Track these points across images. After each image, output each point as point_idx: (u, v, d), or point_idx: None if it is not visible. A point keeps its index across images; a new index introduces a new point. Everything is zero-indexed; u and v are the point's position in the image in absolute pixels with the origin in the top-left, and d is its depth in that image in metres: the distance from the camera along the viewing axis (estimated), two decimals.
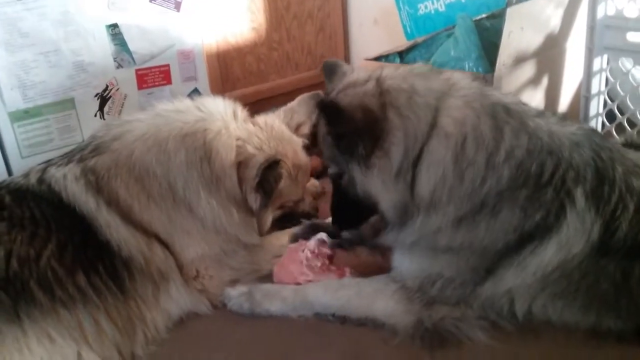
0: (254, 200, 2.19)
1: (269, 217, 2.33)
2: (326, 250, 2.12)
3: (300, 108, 2.49)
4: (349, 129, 1.71)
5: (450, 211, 1.74)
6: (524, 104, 1.90)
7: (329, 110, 1.74)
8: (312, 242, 2.11)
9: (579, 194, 1.73)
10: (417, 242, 1.83)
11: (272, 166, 2.15)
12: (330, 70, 2.02)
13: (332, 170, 1.91)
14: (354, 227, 2.09)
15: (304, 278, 2.06)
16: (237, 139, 2.19)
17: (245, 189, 2.17)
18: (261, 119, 2.36)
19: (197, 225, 2.11)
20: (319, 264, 2.09)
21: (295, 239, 2.26)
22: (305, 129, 2.48)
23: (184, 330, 2.02)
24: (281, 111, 2.47)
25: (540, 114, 1.86)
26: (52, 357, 1.72)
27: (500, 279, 1.80)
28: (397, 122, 1.71)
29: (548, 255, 1.74)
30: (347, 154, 1.78)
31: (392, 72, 1.82)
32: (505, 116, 1.75)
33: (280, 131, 2.35)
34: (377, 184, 1.76)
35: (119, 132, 2.15)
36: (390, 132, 1.71)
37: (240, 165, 2.16)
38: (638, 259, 1.73)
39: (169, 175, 2.07)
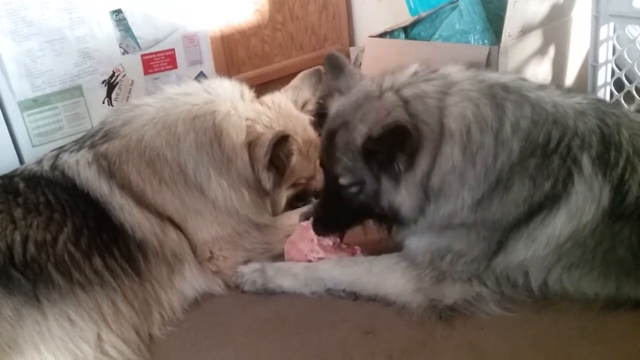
0: (267, 179, 2.20)
1: (283, 196, 2.34)
2: None
3: (304, 85, 2.47)
4: (398, 149, 1.70)
5: (466, 196, 1.76)
6: (524, 80, 1.91)
7: (398, 132, 1.67)
8: None
9: (585, 160, 1.74)
10: (430, 227, 1.84)
11: (281, 141, 2.15)
12: (333, 65, 1.99)
13: (346, 180, 1.84)
14: (338, 231, 2.07)
15: (315, 255, 2.08)
16: (247, 120, 2.20)
17: (257, 169, 2.18)
18: (268, 98, 2.36)
19: (209, 207, 2.12)
20: (330, 242, 2.10)
21: (305, 217, 2.26)
22: (310, 106, 2.47)
23: (200, 310, 2.06)
24: (286, 89, 2.47)
25: (542, 87, 1.87)
26: (72, 339, 1.76)
27: (511, 251, 1.81)
28: (426, 132, 1.72)
29: (559, 225, 1.74)
30: (381, 167, 1.77)
31: (402, 79, 1.81)
32: (503, 93, 1.77)
33: (288, 109, 2.35)
34: (402, 194, 1.78)
35: (129, 117, 2.16)
36: (423, 144, 1.72)
37: (251, 145, 2.17)
38: None
39: (180, 158, 2.09)
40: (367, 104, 1.78)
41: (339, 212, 1.93)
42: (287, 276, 2.04)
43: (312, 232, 2.08)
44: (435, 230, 1.86)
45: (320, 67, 2.50)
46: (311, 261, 2.08)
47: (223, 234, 2.16)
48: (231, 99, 2.23)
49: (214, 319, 2.01)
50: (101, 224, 1.95)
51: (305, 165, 2.36)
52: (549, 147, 1.74)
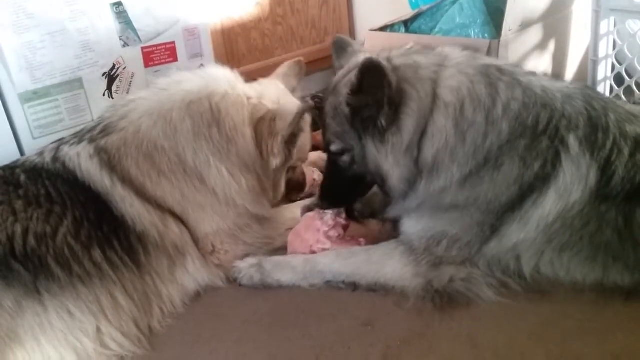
0: (278, 154, 2.18)
1: (283, 180, 2.34)
2: (342, 221, 2.13)
3: (290, 73, 2.48)
4: (379, 95, 1.73)
5: (455, 171, 1.80)
6: (515, 65, 1.97)
7: (373, 71, 1.72)
8: (329, 212, 2.12)
9: (572, 140, 1.78)
10: (422, 204, 1.88)
11: (305, 115, 2.16)
12: (340, 47, 2.07)
13: (335, 147, 1.93)
14: (343, 204, 2.11)
15: (321, 246, 2.08)
16: (249, 98, 2.20)
17: (267, 144, 2.16)
18: (262, 80, 2.39)
19: (209, 198, 2.12)
20: (336, 234, 2.11)
21: (308, 209, 2.26)
22: (297, 94, 2.49)
23: (200, 303, 2.06)
24: (273, 76, 2.47)
25: (531, 73, 1.93)
26: (72, 331, 1.76)
27: (504, 235, 1.84)
28: (411, 93, 1.77)
29: (548, 205, 1.78)
30: (364, 127, 1.82)
31: (396, 52, 1.89)
32: (498, 74, 1.82)
33: (284, 89, 2.37)
34: (390, 160, 1.82)
35: (125, 112, 2.16)
36: (406, 103, 1.77)
37: (261, 121, 2.16)
38: (638, 203, 1.75)
39: (178, 147, 2.08)
40: (356, 68, 1.81)
41: (340, 186, 2.00)
42: (286, 270, 2.05)
43: (318, 223, 2.10)
44: (428, 210, 1.88)
45: (301, 59, 2.55)
46: (315, 252, 2.08)
47: (224, 227, 2.15)
48: (227, 81, 2.23)
49: (214, 311, 2.02)
50: (102, 217, 1.95)
51: (304, 145, 2.37)
52: (538, 129, 1.78)
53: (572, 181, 1.77)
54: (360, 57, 1.90)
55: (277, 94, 2.30)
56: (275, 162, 2.20)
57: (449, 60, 1.85)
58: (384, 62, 1.75)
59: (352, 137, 1.87)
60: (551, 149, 1.77)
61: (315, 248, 2.09)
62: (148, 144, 2.07)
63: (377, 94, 1.74)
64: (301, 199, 2.49)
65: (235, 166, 2.13)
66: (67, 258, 1.83)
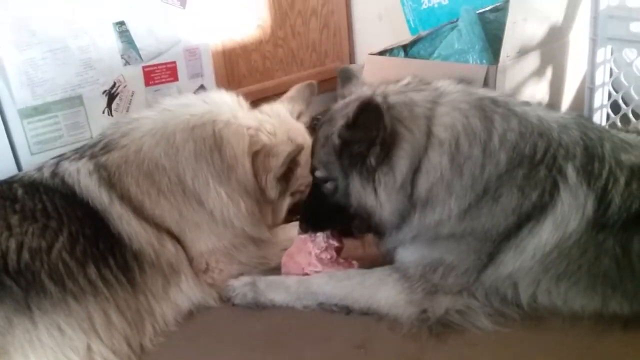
0: (274, 189, 2.20)
1: (285, 205, 2.35)
2: (335, 243, 2.12)
3: (299, 96, 2.50)
4: (372, 133, 1.75)
5: (453, 205, 1.79)
6: (510, 95, 2.01)
7: (370, 110, 1.74)
8: (321, 234, 2.12)
9: (570, 170, 1.78)
10: (417, 236, 1.87)
11: (297, 155, 2.18)
12: (346, 77, 2.12)
13: (320, 174, 1.95)
14: (323, 230, 2.09)
15: (312, 269, 2.07)
16: (248, 128, 2.21)
17: (264, 179, 2.18)
18: (266, 107, 2.39)
19: (207, 218, 2.12)
20: (328, 257, 2.09)
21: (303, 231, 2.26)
22: (305, 118, 2.51)
23: (193, 322, 2.05)
24: (282, 100, 2.50)
25: (526, 103, 1.95)
26: (62, 348, 1.74)
27: (500, 263, 1.83)
28: (405, 135, 1.79)
29: (545, 234, 1.77)
30: (352, 162, 1.83)
31: (393, 87, 1.90)
32: (493, 106, 1.84)
33: (287, 117, 2.38)
34: (379, 198, 1.83)
35: (127, 129, 2.17)
36: (399, 145, 1.78)
37: (257, 154, 2.18)
38: (635, 232, 1.75)
39: (178, 167, 2.09)
40: (354, 103, 1.83)
41: (321, 211, 2.00)
42: (279, 290, 2.04)
43: (310, 246, 2.09)
44: (425, 241, 1.88)
45: (313, 82, 2.56)
46: (308, 274, 2.07)
47: (219, 247, 2.15)
48: (230, 108, 2.25)
49: (206, 330, 2.00)
50: (98, 233, 1.94)
51: (305, 173, 2.33)
52: (536, 158, 1.79)
53: (570, 211, 1.77)
54: (362, 91, 1.93)
55: (276, 124, 2.30)
56: (271, 194, 2.22)
57: (444, 96, 1.86)
58: (381, 103, 1.77)
59: (338, 169, 1.89)
60: (549, 179, 1.78)
61: (307, 270, 2.08)
62: (149, 163, 2.08)
63: (370, 133, 1.75)
64: (296, 219, 2.48)
65: (235, 191, 2.15)
66: (61, 274, 1.82)
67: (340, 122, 1.83)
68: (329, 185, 1.94)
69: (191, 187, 2.10)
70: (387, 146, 1.77)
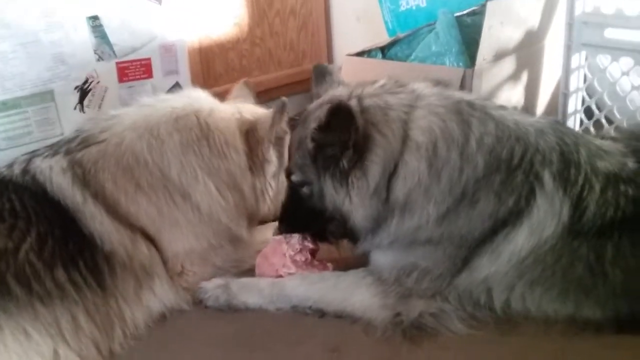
0: (271, 159, 2.24)
1: (282, 184, 2.33)
2: (310, 245, 2.10)
3: (242, 94, 2.51)
4: (344, 137, 1.74)
5: (432, 210, 1.79)
6: (486, 99, 2.00)
7: (342, 113, 1.73)
8: (296, 236, 2.11)
9: (547, 176, 1.78)
10: (394, 241, 1.86)
11: (283, 111, 2.21)
12: (320, 74, 2.08)
13: (296, 177, 1.94)
14: (301, 232, 2.09)
15: (286, 271, 2.06)
16: (232, 113, 2.23)
17: (258, 153, 2.20)
18: (229, 101, 2.44)
19: (189, 215, 2.09)
20: (302, 259, 2.08)
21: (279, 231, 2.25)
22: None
23: (164, 325, 2.01)
24: (229, 101, 2.51)
25: (502, 107, 1.95)
26: (27, 353, 1.69)
27: (475, 268, 1.83)
28: (378, 139, 1.78)
29: (521, 240, 1.77)
30: (325, 165, 1.82)
31: (369, 90, 1.88)
32: (469, 110, 1.84)
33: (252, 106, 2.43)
34: (353, 202, 1.82)
35: (108, 125, 2.13)
36: (372, 150, 1.77)
37: (249, 132, 2.19)
38: (609, 238, 1.76)
39: (162, 161, 2.06)
40: (326, 105, 1.82)
41: (299, 215, 2.00)
42: (252, 292, 2.02)
43: (284, 247, 2.08)
44: (402, 245, 1.87)
45: (248, 79, 2.67)
46: (282, 276, 2.05)
47: (197, 248, 2.12)
48: (208, 101, 2.27)
49: (177, 333, 1.97)
50: (68, 234, 1.89)
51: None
52: (513, 163, 1.79)
53: (546, 217, 1.77)
54: (336, 92, 1.92)
55: (251, 108, 2.35)
56: (271, 169, 2.24)
57: (420, 99, 1.85)
58: (354, 105, 1.77)
59: (312, 172, 1.88)
60: (526, 184, 1.78)
61: (281, 272, 2.06)
62: (130, 157, 2.04)
63: (343, 136, 1.75)
64: (273, 220, 2.46)
65: (224, 183, 2.14)
66: (28, 276, 1.76)
67: (313, 124, 1.82)
68: (305, 190, 1.93)
69: (176, 181, 2.06)
70: (360, 150, 1.77)
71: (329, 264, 2.10)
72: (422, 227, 1.81)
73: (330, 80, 2.05)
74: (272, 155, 2.24)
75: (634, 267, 1.75)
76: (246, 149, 2.19)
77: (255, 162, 2.22)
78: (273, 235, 2.20)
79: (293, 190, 2.00)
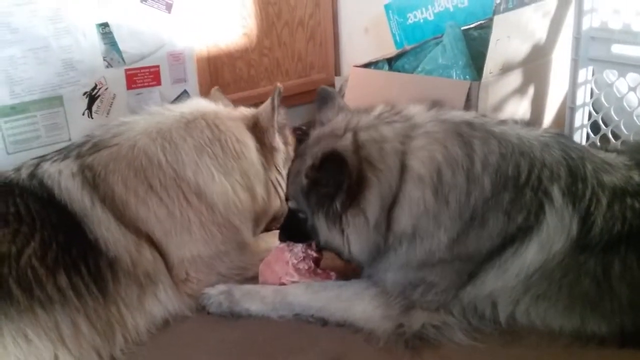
0: (278, 147, 2.36)
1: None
2: (313, 253, 2.10)
3: (218, 99, 2.54)
4: (336, 184, 1.74)
5: (442, 236, 1.77)
6: (485, 116, 1.97)
7: (335, 162, 1.72)
8: (299, 244, 2.10)
9: (556, 192, 1.77)
10: (406, 265, 1.84)
11: (279, 95, 2.32)
12: (323, 99, 2.05)
13: (292, 205, 1.97)
14: (301, 241, 2.09)
15: (289, 279, 2.05)
16: (236, 114, 2.33)
17: (265, 139, 2.31)
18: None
19: (203, 215, 2.10)
20: (305, 267, 2.08)
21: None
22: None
23: (166, 331, 2.00)
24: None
25: (502, 122, 1.92)
26: (27, 357, 1.69)
27: (481, 282, 1.81)
28: (373, 180, 1.75)
29: (530, 256, 1.75)
30: (319, 203, 1.82)
31: (365, 120, 1.86)
32: (470, 130, 1.81)
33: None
34: (349, 239, 1.82)
35: (120, 130, 2.16)
36: (367, 189, 1.76)
37: (254, 126, 2.30)
38: (616, 253, 1.74)
39: (177, 162, 2.10)
40: (325, 140, 1.83)
41: (298, 233, 2.01)
42: (255, 300, 2.01)
43: (287, 255, 2.08)
44: (412, 266, 1.85)
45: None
46: (285, 284, 2.05)
47: (204, 254, 2.12)
48: (211, 105, 2.35)
49: (179, 339, 1.96)
50: (72, 239, 1.88)
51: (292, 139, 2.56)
52: (520, 180, 1.76)
53: (555, 232, 1.75)
54: (335, 123, 1.90)
55: (245, 108, 2.43)
56: (280, 156, 2.35)
57: (417, 128, 1.81)
58: (349, 143, 1.76)
59: (306, 206, 1.89)
60: (535, 201, 1.76)
61: (284, 280, 2.06)
62: (143, 158, 2.07)
63: (336, 181, 1.74)
64: (277, 228, 2.47)
65: (237, 183, 2.19)
66: (30, 281, 1.76)
67: (308, 161, 1.82)
68: (301, 215, 1.95)
69: (192, 180, 2.10)
70: (354, 193, 1.75)
71: (332, 273, 2.09)
72: (434, 252, 1.79)
73: (333, 105, 2.01)
74: (278, 142, 2.34)
75: None
76: (257, 144, 2.27)
77: (265, 154, 2.30)
78: (278, 242, 2.20)
79: (291, 210, 2.01)
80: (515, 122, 1.95)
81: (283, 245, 2.11)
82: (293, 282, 2.05)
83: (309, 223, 1.91)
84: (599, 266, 1.75)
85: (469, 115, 1.91)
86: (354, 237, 1.81)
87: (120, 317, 1.91)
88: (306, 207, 1.89)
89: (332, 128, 1.89)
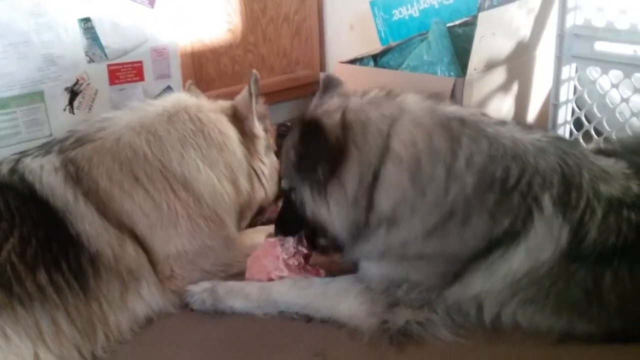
0: (259, 134, 2.37)
1: (274, 169, 2.48)
2: (304, 250, 2.10)
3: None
4: (317, 150, 1.78)
5: (417, 225, 1.76)
6: (484, 115, 1.93)
7: (309, 126, 1.79)
8: (290, 239, 2.10)
9: (547, 200, 1.73)
10: (385, 253, 1.85)
11: (257, 82, 2.36)
12: (327, 85, 2.06)
13: (284, 184, 2.01)
14: (295, 234, 2.10)
15: (278, 274, 2.05)
16: (216, 105, 2.34)
17: (246, 126, 2.32)
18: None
19: (190, 207, 2.09)
20: (296, 263, 2.07)
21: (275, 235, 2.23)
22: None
23: (148, 328, 1.99)
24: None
25: (502, 122, 1.89)
26: (7, 356, 1.66)
27: (467, 283, 1.80)
28: (354, 154, 1.78)
29: (517, 261, 1.74)
30: (304, 174, 1.85)
31: (355, 103, 1.88)
32: (460, 127, 1.79)
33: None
34: (331, 211, 1.83)
35: (103, 125, 2.14)
36: (347, 163, 1.78)
37: (234, 116, 2.32)
38: (609, 265, 1.71)
39: (162, 154, 2.09)
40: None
41: (293, 222, 2.03)
42: (239, 297, 2.00)
43: (278, 250, 2.07)
44: (392, 258, 1.86)
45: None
46: (273, 279, 2.04)
47: (189, 249, 2.10)
48: (192, 98, 2.36)
49: (162, 337, 1.95)
50: (52, 235, 1.86)
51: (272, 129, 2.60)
52: (508, 183, 1.73)
53: (544, 241, 1.73)
54: (329, 103, 1.93)
55: (222, 101, 2.44)
56: (261, 143, 2.37)
57: (406, 113, 1.82)
58: (336, 119, 1.80)
59: (296, 180, 1.91)
60: (523, 206, 1.73)
61: (273, 275, 2.05)
62: (128, 151, 2.06)
63: (315, 149, 1.78)
64: (262, 223, 2.48)
65: (222, 175, 2.20)
66: (9, 278, 1.73)
67: (296, 135, 1.85)
68: (293, 196, 1.95)
69: (178, 172, 2.09)
70: (334, 162, 1.78)
71: (322, 270, 2.09)
72: (410, 241, 1.79)
73: (335, 92, 2.02)
74: (259, 128, 2.36)
75: (631, 293, 1.71)
76: (238, 135, 2.28)
77: (247, 144, 2.31)
78: (266, 237, 2.21)
79: (286, 196, 2.03)
80: (517, 123, 1.92)
81: (273, 240, 2.11)
82: (282, 277, 2.04)
83: (299, 198, 1.92)
84: (589, 277, 1.72)
85: (466, 112, 1.88)
86: (334, 209, 1.82)
87: (102, 314, 1.88)
88: (297, 182, 1.91)
89: (325, 109, 1.90)
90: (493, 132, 1.80)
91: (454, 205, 1.73)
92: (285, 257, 2.07)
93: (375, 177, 1.77)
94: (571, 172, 1.77)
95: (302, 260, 2.09)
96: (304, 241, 2.09)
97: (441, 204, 1.74)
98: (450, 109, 1.88)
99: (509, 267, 1.74)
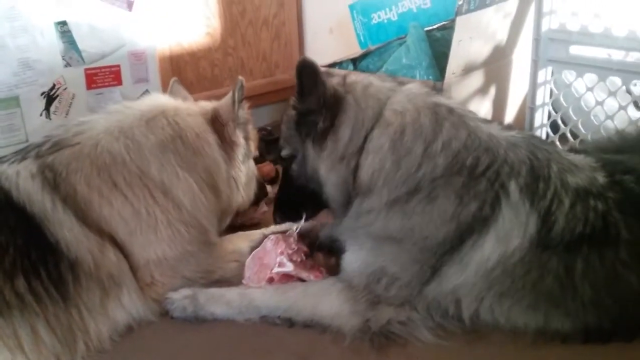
0: (239, 142, 2.34)
1: (254, 174, 2.50)
2: (303, 247, 2.14)
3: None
4: (317, 101, 1.86)
5: (384, 194, 1.85)
6: (470, 111, 2.02)
7: (308, 68, 1.84)
8: (292, 235, 2.14)
9: (513, 187, 1.81)
10: (357, 227, 1.90)
11: (242, 89, 2.30)
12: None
13: (285, 152, 2.06)
14: (294, 217, 2.16)
15: (281, 270, 2.06)
16: (195, 108, 2.31)
17: (225, 134, 2.29)
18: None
19: (170, 213, 2.07)
20: (299, 259, 2.10)
21: (257, 244, 2.24)
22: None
23: (129, 336, 1.96)
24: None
25: (484, 120, 1.99)
26: None
27: (444, 277, 1.84)
28: (352, 104, 1.90)
29: (488, 249, 1.79)
30: (306, 130, 1.94)
31: (359, 75, 2.07)
32: (446, 113, 1.90)
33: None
34: (325, 165, 1.91)
35: (80, 129, 2.10)
36: (345, 111, 1.89)
37: (213, 119, 2.28)
38: (579, 253, 1.78)
39: (141, 159, 2.06)
40: None
41: (291, 199, 2.12)
42: (220, 303, 1.99)
43: (283, 245, 2.11)
44: (366, 239, 1.90)
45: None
46: (273, 278, 2.06)
47: (169, 255, 2.07)
48: (170, 100, 2.32)
49: (142, 345, 1.93)
50: (30, 242, 1.83)
51: (254, 134, 2.56)
52: (477, 170, 1.82)
53: (512, 227, 1.78)
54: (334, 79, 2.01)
55: (206, 102, 2.41)
56: (240, 151, 2.34)
57: (404, 90, 1.96)
58: (337, 81, 1.93)
59: (297, 141, 1.98)
60: (490, 192, 1.80)
61: (274, 272, 2.06)
62: (106, 156, 2.02)
63: (314, 93, 1.85)
64: (246, 227, 2.48)
65: (202, 180, 2.17)
66: None
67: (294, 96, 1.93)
68: (294, 166, 2.02)
69: (157, 178, 2.06)
70: (332, 108, 1.88)
71: (323, 269, 2.11)
72: (374, 210, 1.86)
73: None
74: (238, 136, 2.33)
75: (602, 281, 1.77)
76: (217, 138, 2.26)
77: (226, 149, 2.29)
78: (264, 233, 2.27)
79: (285, 173, 2.11)
80: (500, 123, 2.03)
81: (275, 237, 2.15)
82: (285, 273, 2.05)
83: (299, 160, 2.00)
84: (561, 265, 1.78)
85: (455, 105, 1.99)
86: (328, 163, 1.91)
87: (82, 322, 1.86)
88: (297, 142, 1.99)
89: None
90: (474, 125, 1.90)
91: (421, 182, 1.82)
92: (290, 252, 2.10)
93: (365, 140, 1.87)
94: (540, 165, 1.86)
95: (304, 257, 2.12)
96: (303, 240, 2.15)
97: (410, 178, 1.83)
98: (444, 99, 2.01)
99: (480, 256, 1.79)
